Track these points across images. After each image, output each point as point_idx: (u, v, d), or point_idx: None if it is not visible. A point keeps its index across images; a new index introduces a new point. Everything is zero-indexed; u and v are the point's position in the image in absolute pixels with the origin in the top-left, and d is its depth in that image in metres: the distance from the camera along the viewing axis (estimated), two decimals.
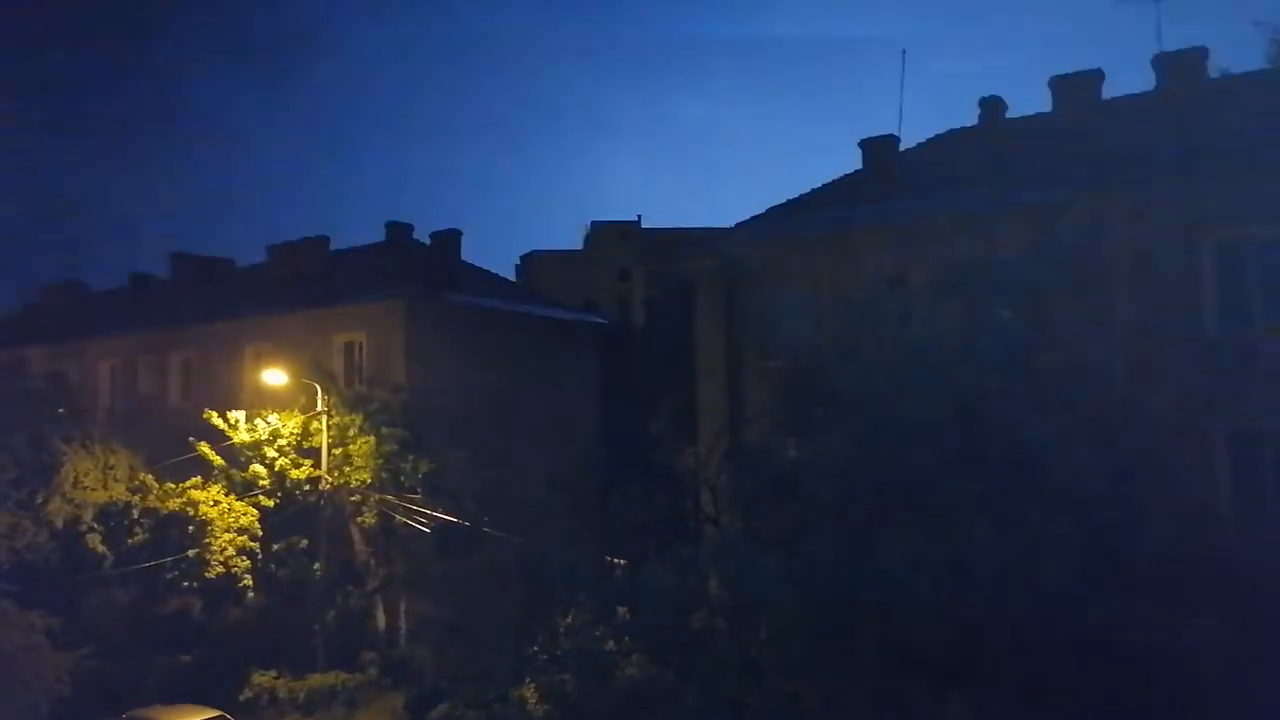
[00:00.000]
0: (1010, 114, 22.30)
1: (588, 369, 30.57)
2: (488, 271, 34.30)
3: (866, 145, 23.08)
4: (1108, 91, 20.70)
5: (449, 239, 33.28)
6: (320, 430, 23.10)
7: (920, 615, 10.37)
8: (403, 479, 23.04)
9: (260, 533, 22.99)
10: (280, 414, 24.05)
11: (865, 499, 11.32)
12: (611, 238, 49.11)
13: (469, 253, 33.88)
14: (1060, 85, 20.93)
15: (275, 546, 23.07)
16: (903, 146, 23.03)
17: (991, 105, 22.49)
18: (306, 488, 23.35)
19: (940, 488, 10.99)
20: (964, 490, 10.88)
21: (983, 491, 10.95)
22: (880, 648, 10.97)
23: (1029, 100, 22.43)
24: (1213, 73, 19.90)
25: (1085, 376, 12.19)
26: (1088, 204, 15.57)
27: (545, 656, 12.46)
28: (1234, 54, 20.24)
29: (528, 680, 12.93)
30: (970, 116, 22.85)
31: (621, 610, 12.13)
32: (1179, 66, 19.85)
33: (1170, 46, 20.34)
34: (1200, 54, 20.03)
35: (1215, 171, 15.90)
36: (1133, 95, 20.29)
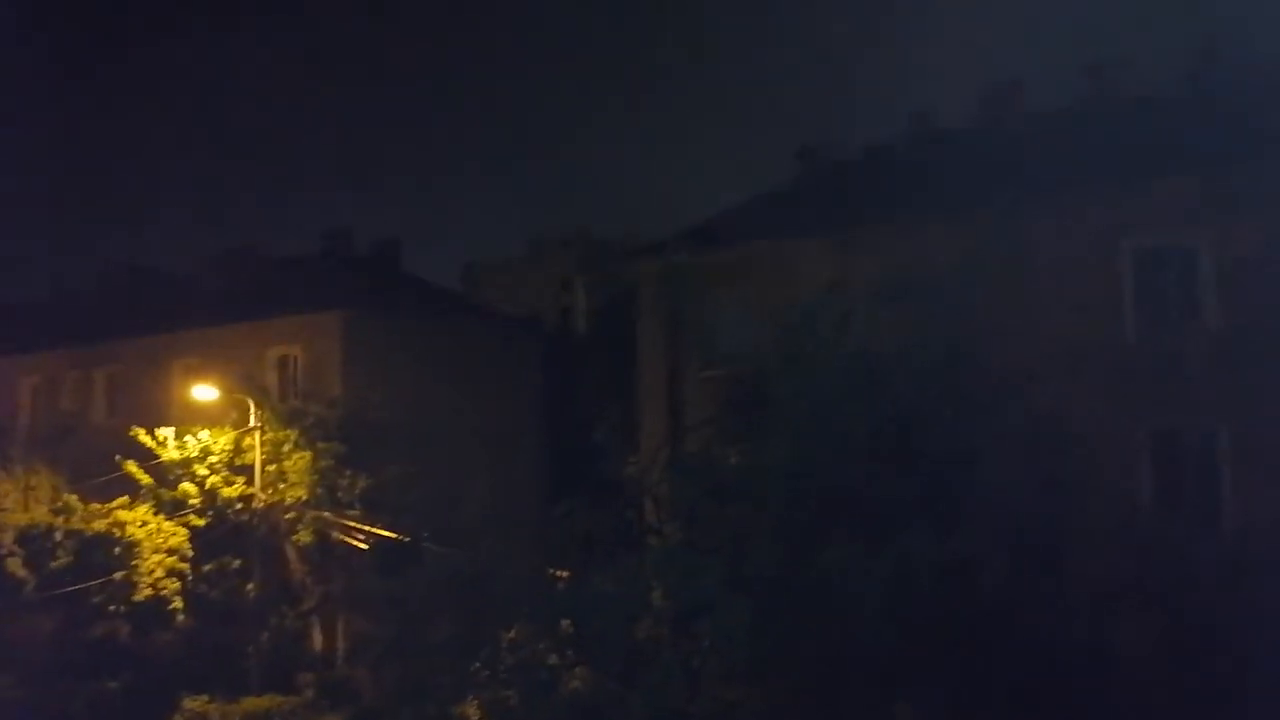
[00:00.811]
0: (939, 123, 22.91)
1: (531, 379, 30.43)
2: (429, 281, 33.96)
3: (804, 154, 23.51)
4: (1029, 102, 21.39)
5: (389, 248, 32.92)
6: (253, 446, 22.60)
7: (861, 620, 10.54)
8: (340, 495, 22.65)
9: (191, 553, 22.38)
10: (211, 430, 23.49)
11: (806, 505, 11.46)
12: (555, 246, 48.91)
13: (410, 262, 33.55)
14: (986, 97, 21.57)
15: (206, 567, 22.49)
16: (839, 156, 23.52)
17: (921, 117, 23.08)
18: (239, 506, 22.82)
19: (878, 493, 11.19)
20: (901, 496, 11.09)
21: (919, 497, 11.17)
22: (822, 653, 11.11)
23: (957, 110, 23.02)
24: (1131, 86, 20.70)
25: (1015, 382, 12.54)
26: (1013, 214, 16.05)
27: (488, 672, 12.33)
28: (1152, 68, 21.05)
29: (470, 697, 12.80)
30: (902, 126, 23.43)
31: (565, 623, 12.08)
32: (1097, 79, 20.62)
33: (1089, 59, 21.14)
34: (1117, 67, 20.84)
35: (1132, 181, 16.54)
36: (1054, 106, 21.00)
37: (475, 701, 12.68)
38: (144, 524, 22.11)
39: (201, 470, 23.02)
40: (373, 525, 21.30)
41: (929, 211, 17.69)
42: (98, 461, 23.36)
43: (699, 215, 23.25)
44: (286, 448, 22.95)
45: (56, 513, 22.29)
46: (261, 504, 22.51)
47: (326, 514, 22.48)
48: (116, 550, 21.67)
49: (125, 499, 22.55)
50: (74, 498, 22.59)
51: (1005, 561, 11.20)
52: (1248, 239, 15.18)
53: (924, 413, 11.61)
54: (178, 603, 22.03)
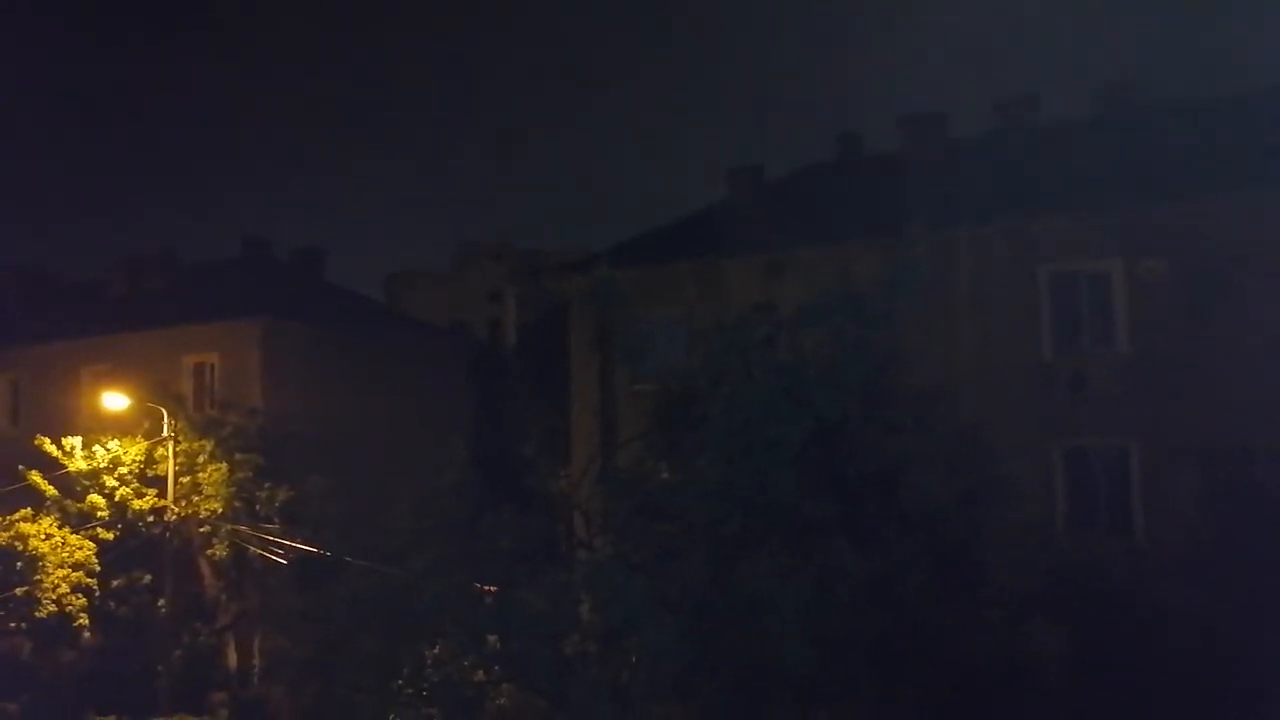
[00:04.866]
0: (865, 148, 23.47)
1: (458, 392, 30.08)
2: (353, 290, 33.44)
3: (734, 175, 23.81)
4: (951, 132, 22.08)
5: (311, 256, 32.38)
6: (166, 457, 21.87)
7: (786, 633, 10.65)
8: (258, 508, 22.07)
9: (98, 568, 21.55)
10: (122, 440, 22.65)
11: (733, 520, 11.55)
12: (483, 258, 48.61)
13: (333, 271, 33.04)
14: (908, 125, 22.19)
15: (115, 582, 21.68)
16: (769, 177, 23.90)
17: (848, 141, 23.62)
18: (150, 519, 22.05)
19: (804, 508, 11.35)
20: (826, 511, 11.26)
21: (843, 512, 11.36)
22: (747, 667, 11.19)
23: (880, 137, 23.71)
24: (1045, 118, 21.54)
25: (935, 400, 12.87)
26: (935, 238, 16.49)
27: (411, 690, 12.10)
28: (1063, 101, 22.04)
29: (392, 717, 12.53)
30: (829, 151, 23.96)
31: (491, 639, 11.93)
32: (1014, 112, 21.40)
33: (1004, 94, 21.98)
34: (1033, 100, 21.67)
35: (1047, 209, 17.19)
36: (974, 136, 21.72)
37: None
38: (48, 537, 21.26)
39: (111, 482, 22.21)
40: (292, 539, 20.77)
41: (855, 233, 18.11)
42: None
43: (629, 232, 23.40)
44: (202, 459, 22.33)
45: None
46: (174, 517, 21.79)
47: (243, 528, 21.87)
48: (18, 564, 20.82)
49: (28, 511, 21.62)
50: None
51: (925, 575, 11.45)
52: (1156, 266, 15.91)
53: (848, 429, 11.82)
54: (84, 619, 21.23)
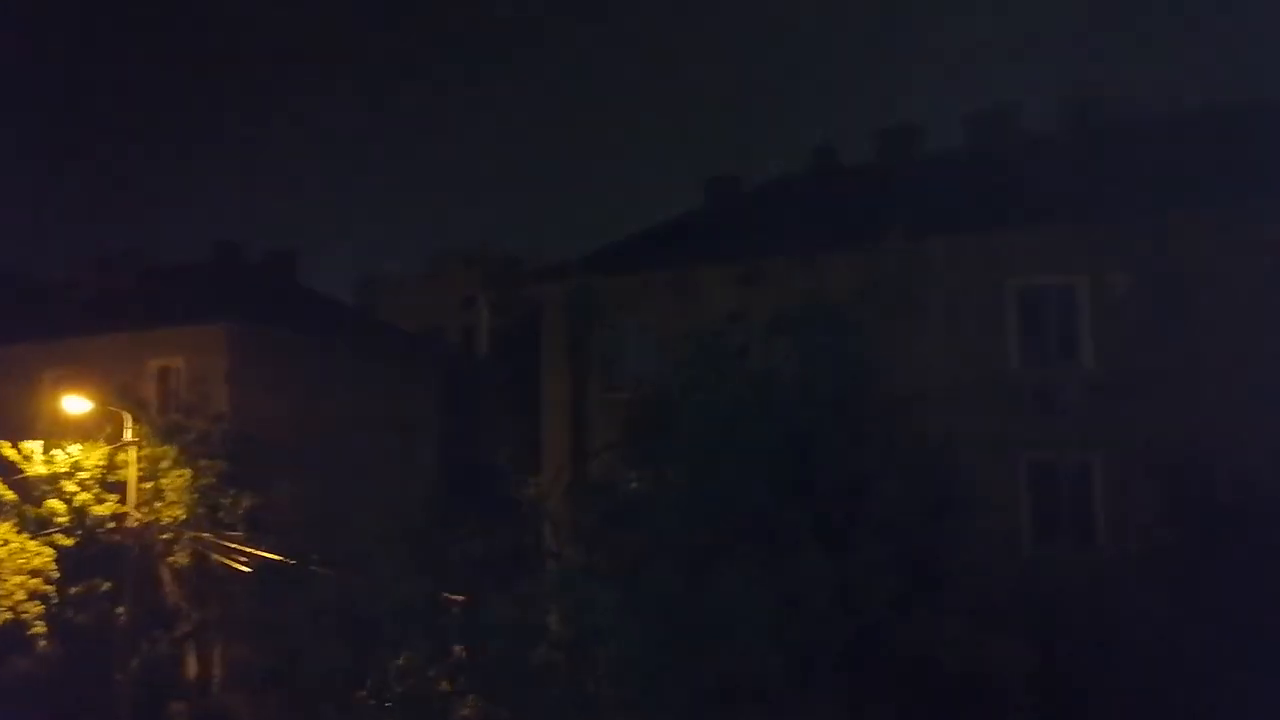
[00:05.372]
0: (840, 161, 23.66)
1: (430, 398, 29.87)
2: (325, 295, 33.15)
3: (711, 184, 23.91)
4: (925, 145, 22.33)
5: (283, 260, 32.07)
6: (128, 462, 21.48)
7: (754, 643, 10.65)
8: (221, 515, 21.74)
9: (56, 575, 21.07)
10: (83, 444, 22.23)
11: (703, 530, 11.55)
12: (457, 263, 48.22)
13: (306, 275, 32.72)
14: (883, 138, 22.41)
15: (73, 589, 21.20)
16: (745, 188, 24.01)
17: (823, 154, 23.80)
18: (111, 525, 21.63)
19: (774, 518, 11.36)
20: (796, 520, 11.29)
21: (813, 521, 11.40)
22: (715, 675, 11.17)
23: (857, 150, 23.89)
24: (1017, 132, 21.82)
25: (904, 411, 12.96)
26: (907, 250, 16.64)
27: (374, 701, 11.98)
28: (1038, 116, 22.29)
29: None
30: (804, 162, 24.11)
31: (458, 649, 11.83)
32: (988, 125, 21.67)
33: (979, 108, 22.23)
34: (1007, 114, 21.96)
35: (1017, 222, 17.40)
36: (947, 149, 21.96)
37: None
38: (5, 543, 20.75)
39: (71, 487, 21.75)
40: (257, 547, 20.49)
41: (829, 244, 18.23)
42: None
43: (605, 239, 23.42)
44: (165, 464, 21.94)
45: None
46: (135, 523, 21.40)
47: (206, 535, 21.53)
48: None
49: None
50: None
51: (892, 584, 11.50)
52: (1121, 282, 16.15)
53: (818, 438, 11.86)
54: (40, 627, 20.72)
